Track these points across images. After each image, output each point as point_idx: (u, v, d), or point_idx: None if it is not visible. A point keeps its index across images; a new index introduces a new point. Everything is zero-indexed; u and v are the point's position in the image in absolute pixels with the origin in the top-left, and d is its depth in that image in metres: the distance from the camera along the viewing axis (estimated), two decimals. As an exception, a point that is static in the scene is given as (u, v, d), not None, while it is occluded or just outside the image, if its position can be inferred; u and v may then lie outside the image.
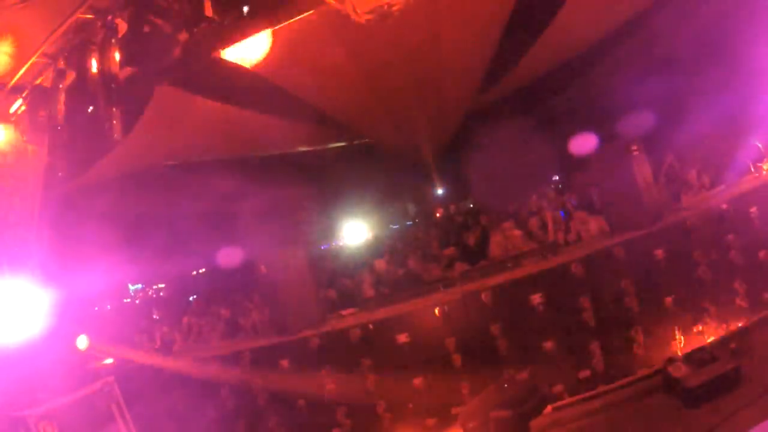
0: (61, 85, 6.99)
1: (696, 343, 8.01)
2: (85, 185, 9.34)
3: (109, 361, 9.43)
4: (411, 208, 14.86)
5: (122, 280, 13.07)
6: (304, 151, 13.40)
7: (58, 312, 8.11)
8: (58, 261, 8.48)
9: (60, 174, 7.60)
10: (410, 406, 8.68)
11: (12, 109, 7.39)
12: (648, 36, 10.64)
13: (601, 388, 8.15)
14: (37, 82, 7.19)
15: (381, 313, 9.21)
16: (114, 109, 6.73)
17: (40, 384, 7.89)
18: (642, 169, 8.99)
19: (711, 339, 8.19)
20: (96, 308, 11.78)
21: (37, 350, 7.75)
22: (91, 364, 9.09)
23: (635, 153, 8.94)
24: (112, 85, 6.62)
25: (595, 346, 8.44)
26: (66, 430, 7.79)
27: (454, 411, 8.25)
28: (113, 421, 8.41)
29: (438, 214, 13.65)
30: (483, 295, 8.61)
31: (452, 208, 12.79)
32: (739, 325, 8.31)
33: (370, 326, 8.94)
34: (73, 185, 8.93)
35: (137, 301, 13.93)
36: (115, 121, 6.80)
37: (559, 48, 10.72)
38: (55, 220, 8.56)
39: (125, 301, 13.76)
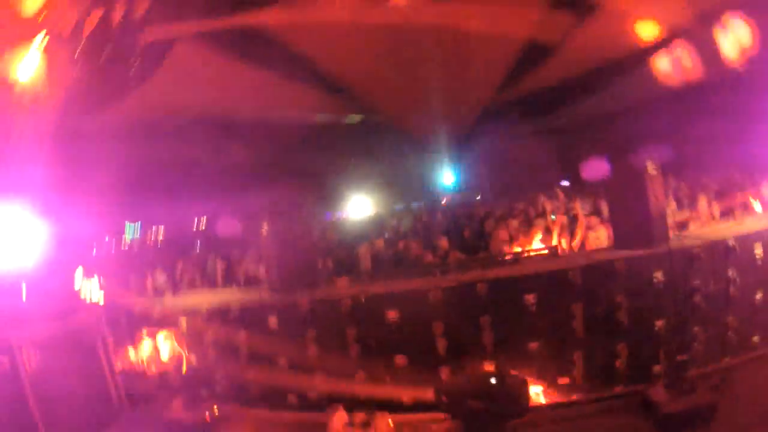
0: (85, 23, 6.84)
1: (679, 371, 8.05)
2: (99, 126, 9.24)
3: (101, 298, 9.50)
4: (418, 191, 14.78)
5: (121, 222, 13.06)
6: (318, 119, 13.24)
7: (54, 244, 8.08)
8: (60, 195, 8.43)
9: (74, 110, 7.49)
10: (387, 380, 8.71)
11: (35, 43, 7.23)
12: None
13: (578, 398, 8.24)
14: (63, 18, 7.03)
15: (374, 288, 9.21)
16: (134, 56, 6.62)
17: (27, 312, 7.90)
18: (655, 190, 8.88)
19: (695, 370, 8.23)
20: (93, 246, 11.79)
21: (28, 279, 7.74)
22: (82, 300, 9.14)
23: (651, 173, 8.82)
24: (136, 31, 6.51)
25: (578, 356, 8.46)
26: (47, 358, 7.84)
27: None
28: (96, 357, 8.48)
29: (444, 201, 13.57)
30: (479, 286, 8.57)
31: (459, 197, 12.71)
32: (725, 362, 8.37)
33: (362, 299, 8.94)
34: (86, 124, 8.82)
35: (134, 246, 13.95)
36: (134, 68, 6.69)
37: (585, 56, 10.51)
38: (64, 156, 8.48)
39: (123, 241, 13.78)
